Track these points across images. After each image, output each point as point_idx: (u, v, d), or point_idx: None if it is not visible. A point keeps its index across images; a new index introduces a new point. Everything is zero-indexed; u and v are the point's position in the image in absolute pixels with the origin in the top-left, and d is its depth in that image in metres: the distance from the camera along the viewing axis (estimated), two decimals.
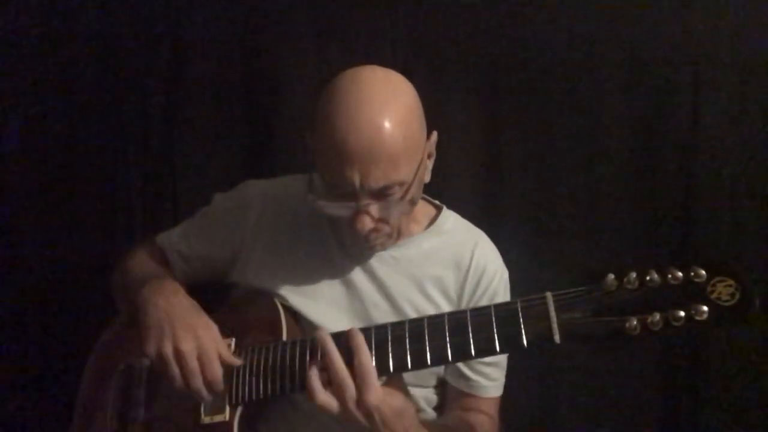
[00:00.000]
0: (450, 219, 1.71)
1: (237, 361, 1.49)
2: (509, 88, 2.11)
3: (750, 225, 2.00)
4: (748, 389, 1.99)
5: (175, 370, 1.43)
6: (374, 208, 1.43)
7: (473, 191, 2.09)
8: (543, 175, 2.12)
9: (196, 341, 1.44)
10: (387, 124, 1.38)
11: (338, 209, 1.44)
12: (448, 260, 1.65)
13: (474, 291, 1.64)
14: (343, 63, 2.07)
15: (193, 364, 1.43)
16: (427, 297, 1.63)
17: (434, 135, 1.54)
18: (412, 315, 1.59)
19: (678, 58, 2.03)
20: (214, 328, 1.50)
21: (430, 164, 1.54)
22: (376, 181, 1.39)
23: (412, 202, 1.50)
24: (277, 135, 2.21)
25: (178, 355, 1.43)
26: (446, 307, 1.62)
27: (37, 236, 2.29)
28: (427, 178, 1.54)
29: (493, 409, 1.68)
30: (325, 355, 1.34)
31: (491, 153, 2.13)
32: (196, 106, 2.23)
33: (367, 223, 1.43)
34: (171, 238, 1.78)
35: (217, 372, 1.45)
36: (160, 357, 1.43)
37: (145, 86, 2.24)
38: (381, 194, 1.42)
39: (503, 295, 1.67)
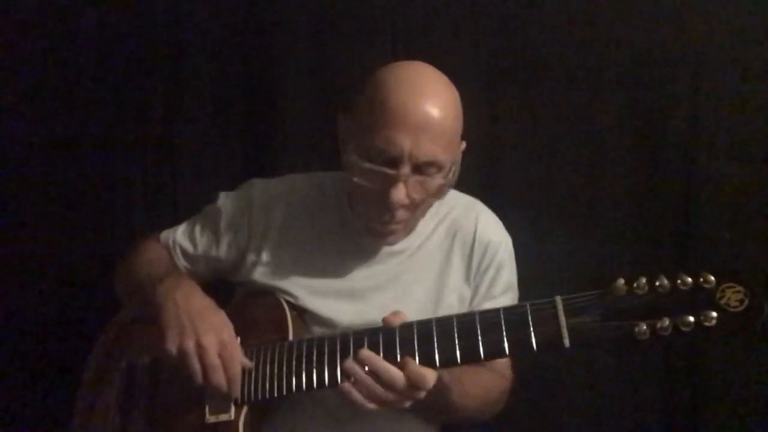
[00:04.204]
0: (447, 195, 1.71)
1: (248, 363, 1.50)
2: (509, 89, 2.12)
3: (750, 225, 2.00)
4: (748, 390, 2.00)
5: (197, 365, 1.43)
6: (411, 183, 1.44)
7: (471, 189, 2.08)
8: (542, 175, 2.12)
9: (217, 337, 1.45)
10: (444, 104, 1.44)
11: (377, 176, 1.44)
12: (453, 237, 1.67)
13: (480, 264, 1.65)
14: (343, 62, 2.10)
15: (215, 359, 1.44)
16: (438, 278, 1.64)
17: (463, 144, 1.57)
18: (426, 301, 1.61)
19: (678, 58, 2.03)
20: (230, 325, 1.50)
21: (456, 170, 1.53)
22: (425, 153, 1.41)
23: (443, 192, 1.52)
24: (277, 135, 2.21)
25: (201, 350, 1.43)
26: (457, 284, 1.64)
27: (37, 236, 2.29)
28: (450, 187, 1.54)
29: (504, 370, 1.70)
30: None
31: (490, 153, 2.14)
32: (196, 106, 2.23)
33: (402, 195, 1.43)
34: (175, 236, 1.77)
35: (237, 367, 1.46)
36: (182, 352, 1.44)
37: (145, 86, 2.24)
38: (422, 170, 1.44)
39: (509, 264, 1.69)
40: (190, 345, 1.43)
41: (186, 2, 2.19)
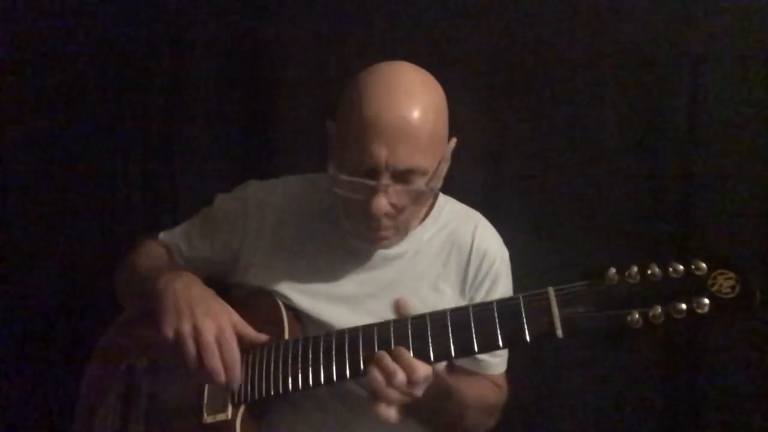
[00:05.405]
0: (447, 205, 1.70)
1: (262, 337, 1.48)
2: (509, 88, 2.11)
3: (750, 224, 2.00)
4: (748, 388, 2.00)
5: (192, 349, 1.41)
6: (393, 191, 1.42)
7: (472, 189, 2.09)
8: (542, 174, 2.12)
9: (214, 321, 1.43)
10: (421, 107, 1.39)
11: (357, 188, 1.42)
12: (450, 247, 1.65)
13: (476, 275, 1.64)
14: (343, 62, 2.10)
15: (212, 343, 1.41)
16: (433, 287, 1.63)
17: (453, 141, 1.55)
18: (420, 308, 1.58)
19: (678, 57, 2.03)
20: (232, 311, 1.48)
21: (443, 169, 1.53)
22: (402, 161, 1.38)
23: (427, 197, 1.51)
24: (277, 135, 2.22)
25: (197, 334, 1.41)
26: (453, 295, 1.63)
27: (37, 236, 2.29)
28: (439, 184, 1.53)
29: (500, 382, 1.70)
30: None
31: (491, 151, 2.14)
32: (196, 106, 2.24)
33: (383, 205, 1.41)
34: (173, 237, 1.77)
35: (235, 353, 1.43)
36: (178, 336, 1.41)
37: (145, 86, 2.24)
38: (402, 178, 1.41)
39: (505, 277, 1.67)
40: (187, 328, 1.41)
41: (186, 1, 2.20)
